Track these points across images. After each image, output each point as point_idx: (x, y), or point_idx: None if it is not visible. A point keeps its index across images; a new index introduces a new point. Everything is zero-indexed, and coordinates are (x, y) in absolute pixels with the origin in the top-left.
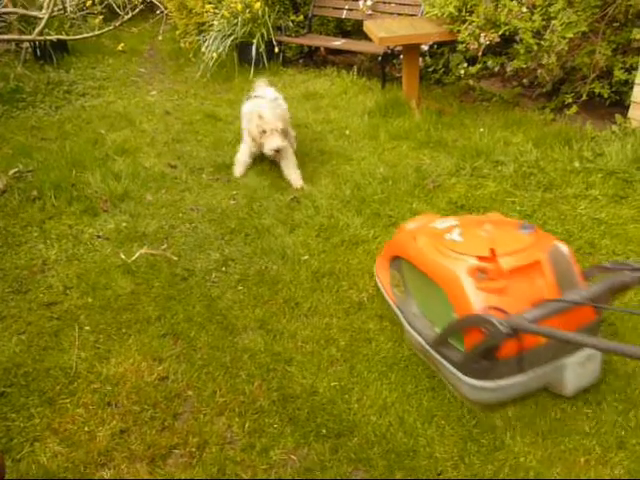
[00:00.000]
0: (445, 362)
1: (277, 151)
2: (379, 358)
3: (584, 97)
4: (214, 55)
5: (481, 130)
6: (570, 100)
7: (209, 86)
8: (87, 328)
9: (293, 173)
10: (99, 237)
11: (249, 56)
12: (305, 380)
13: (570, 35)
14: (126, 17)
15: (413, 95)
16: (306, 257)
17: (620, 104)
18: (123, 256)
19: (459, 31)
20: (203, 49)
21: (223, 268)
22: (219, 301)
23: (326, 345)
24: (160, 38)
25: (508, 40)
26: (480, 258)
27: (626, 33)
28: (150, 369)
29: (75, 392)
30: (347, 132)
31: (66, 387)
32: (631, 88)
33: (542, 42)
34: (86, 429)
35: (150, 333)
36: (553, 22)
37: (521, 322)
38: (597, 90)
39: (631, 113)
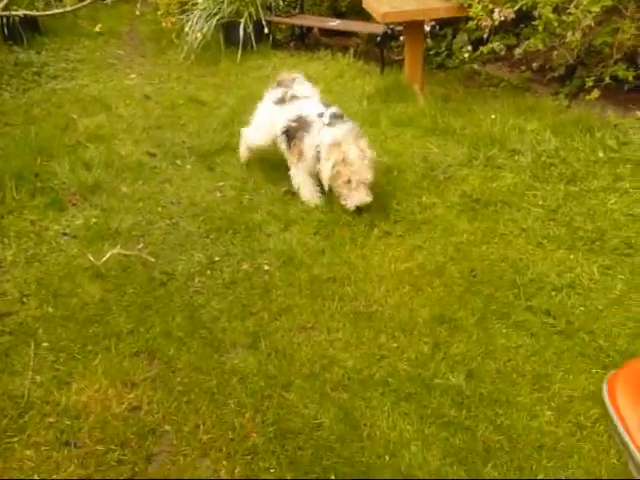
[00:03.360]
0: None
1: (360, 208)
2: (394, 381)
3: (607, 80)
4: (198, 35)
5: (492, 117)
6: (591, 84)
7: (193, 69)
8: (45, 344)
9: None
10: (65, 235)
11: (236, 37)
12: (307, 410)
13: (597, 9)
14: None
15: (416, 79)
16: (303, 258)
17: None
18: (91, 257)
19: (470, 5)
20: (186, 29)
21: (208, 271)
22: (203, 311)
23: (329, 365)
24: (138, 13)
25: (518, 20)
26: None
27: None
28: (119, 397)
29: (25, 428)
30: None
31: (15, 421)
32: None
33: (565, 18)
34: (36, 477)
35: (121, 351)
36: None
37: None
38: (620, 73)
39: None
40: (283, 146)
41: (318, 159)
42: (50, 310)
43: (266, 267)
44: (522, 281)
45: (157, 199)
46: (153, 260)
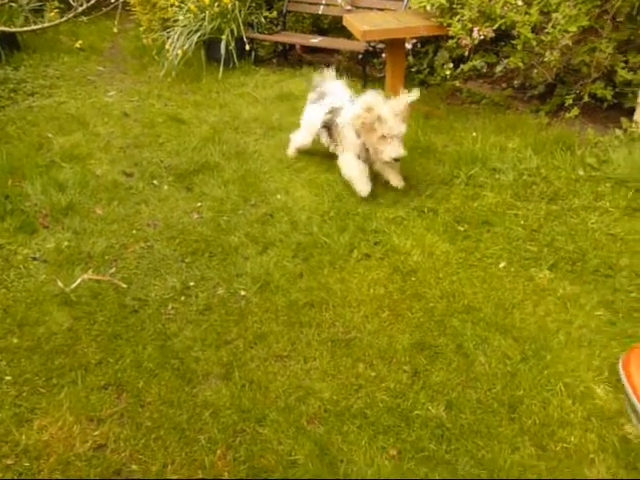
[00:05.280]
0: None
1: (397, 160)
2: (372, 413)
3: (586, 98)
4: (179, 52)
5: (474, 134)
6: (570, 102)
7: (174, 86)
8: (8, 378)
9: (395, 172)
10: (35, 259)
11: (218, 54)
12: (281, 446)
13: (573, 29)
14: (80, 8)
15: (398, 96)
16: (281, 282)
17: (618, 107)
18: (61, 283)
19: (449, 25)
20: (167, 46)
21: (182, 297)
22: (175, 340)
23: (305, 397)
24: (116, 30)
25: (498, 38)
26: None
27: (628, 30)
28: (84, 434)
29: None
30: None
31: None
32: (633, 92)
33: (543, 37)
34: None
35: (88, 384)
36: (555, 15)
37: None
38: (599, 92)
39: (637, 116)
40: (325, 138)
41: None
42: (15, 340)
43: (242, 292)
44: (502, 303)
45: (132, 221)
46: (125, 286)
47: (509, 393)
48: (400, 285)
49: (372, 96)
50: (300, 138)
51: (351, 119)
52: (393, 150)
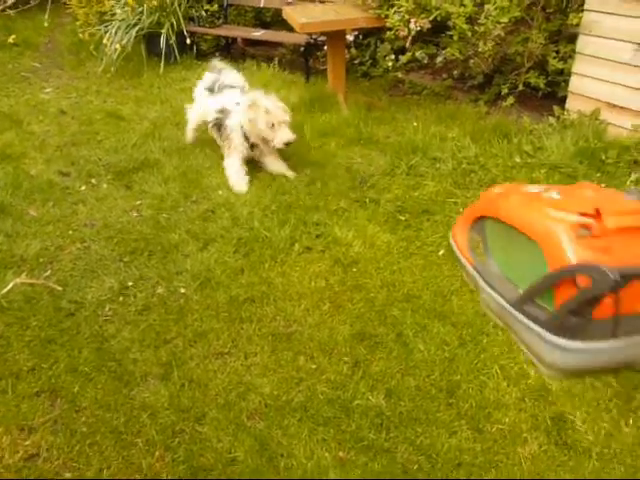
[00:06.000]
0: (529, 322)
1: (288, 144)
2: (312, 406)
3: (520, 87)
4: (117, 47)
5: (415, 124)
6: (506, 91)
7: (114, 82)
8: None
9: (281, 165)
10: None
11: (158, 48)
12: (221, 444)
13: (505, 20)
14: (9, 0)
15: (340, 88)
16: (222, 279)
17: (552, 95)
18: None
19: (387, 16)
20: (105, 40)
21: (120, 298)
22: (113, 341)
23: (246, 393)
24: (46, 24)
25: (437, 30)
26: (583, 215)
27: (558, 20)
28: (14, 445)
29: None
30: None
31: None
32: (565, 80)
33: (477, 28)
34: None
35: (19, 392)
36: (487, 6)
37: (632, 270)
38: (532, 80)
39: (569, 104)
40: (215, 136)
41: (246, 138)
42: None
43: (182, 290)
44: (440, 290)
45: (68, 222)
46: (60, 288)
47: (447, 378)
48: (341, 277)
49: (254, 93)
50: (194, 118)
51: (242, 122)
52: (284, 135)
